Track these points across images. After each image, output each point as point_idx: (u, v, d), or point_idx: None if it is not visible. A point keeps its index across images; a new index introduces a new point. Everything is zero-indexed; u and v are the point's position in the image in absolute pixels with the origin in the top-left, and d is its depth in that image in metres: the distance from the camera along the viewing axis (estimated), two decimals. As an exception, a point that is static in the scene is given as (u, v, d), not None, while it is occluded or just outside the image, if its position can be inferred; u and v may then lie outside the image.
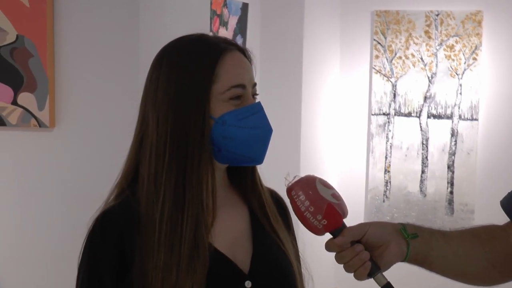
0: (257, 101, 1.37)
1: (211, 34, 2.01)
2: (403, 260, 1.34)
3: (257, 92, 1.39)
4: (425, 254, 1.35)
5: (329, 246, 1.28)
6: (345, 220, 1.30)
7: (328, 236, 1.30)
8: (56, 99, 2.30)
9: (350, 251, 1.27)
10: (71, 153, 2.32)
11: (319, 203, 1.26)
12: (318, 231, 1.28)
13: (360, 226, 1.31)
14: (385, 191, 3.79)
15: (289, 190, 1.29)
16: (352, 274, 1.28)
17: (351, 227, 1.29)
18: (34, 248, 2.37)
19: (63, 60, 2.30)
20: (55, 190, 2.33)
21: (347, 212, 1.29)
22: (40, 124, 2.30)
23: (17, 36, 2.30)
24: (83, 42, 2.29)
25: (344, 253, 1.27)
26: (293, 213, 1.32)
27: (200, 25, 2.64)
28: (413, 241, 1.33)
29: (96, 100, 2.29)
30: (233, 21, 3.07)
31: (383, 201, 3.79)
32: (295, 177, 1.30)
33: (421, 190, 3.74)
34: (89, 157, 2.30)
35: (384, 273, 1.29)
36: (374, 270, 1.28)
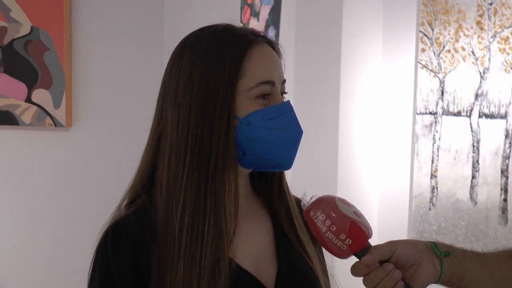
0: (286, 100, 1.36)
1: (240, 25, 2.02)
2: (437, 281, 1.32)
3: (286, 91, 1.38)
4: (461, 275, 1.33)
5: (355, 269, 1.28)
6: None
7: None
8: (73, 97, 2.31)
9: (380, 271, 1.26)
10: (89, 154, 2.33)
11: (341, 221, 1.26)
12: (342, 253, 1.28)
13: (388, 243, 1.31)
14: (431, 198, 3.74)
15: (307, 212, 1.28)
16: None
17: (378, 245, 1.29)
18: (45, 251, 2.39)
19: (81, 54, 2.31)
20: (71, 194, 2.35)
21: (372, 231, 1.29)
22: (56, 123, 2.31)
23: (32, 28, 2.30)
24: (103, 35, 2.30)
25: (373, 274, 1.26)
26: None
27: (229, 15, 2.64)
28: (447, 260, 1.31)
29: (116, 98, 2.30)
30: (265, 11, 3.06)
31: (429, 209, 3.75)
32: (312, 197, 1.29)
33: (471, 198, 3.68)
34: (108, 159, 2.31)
35: None
36: None
